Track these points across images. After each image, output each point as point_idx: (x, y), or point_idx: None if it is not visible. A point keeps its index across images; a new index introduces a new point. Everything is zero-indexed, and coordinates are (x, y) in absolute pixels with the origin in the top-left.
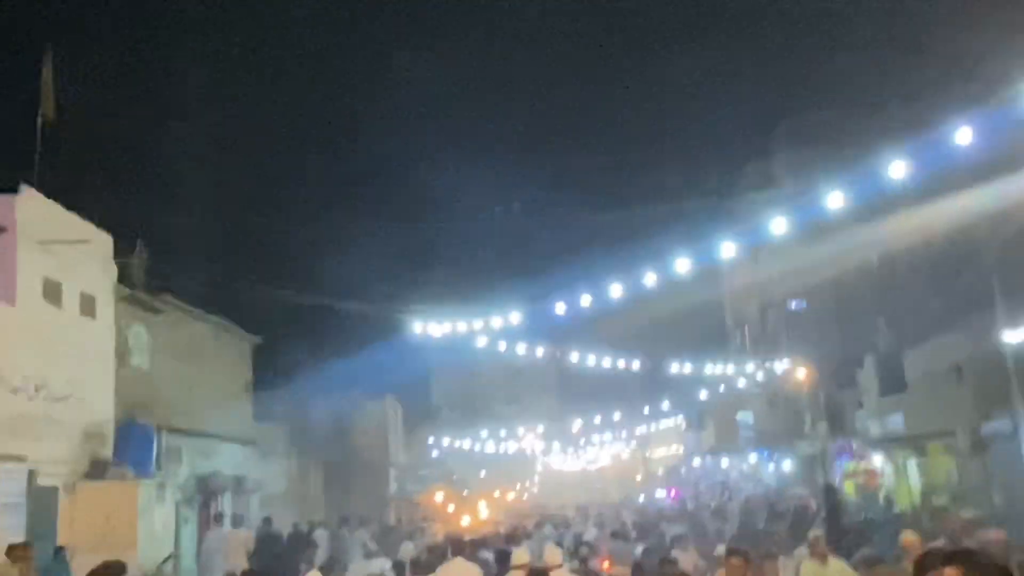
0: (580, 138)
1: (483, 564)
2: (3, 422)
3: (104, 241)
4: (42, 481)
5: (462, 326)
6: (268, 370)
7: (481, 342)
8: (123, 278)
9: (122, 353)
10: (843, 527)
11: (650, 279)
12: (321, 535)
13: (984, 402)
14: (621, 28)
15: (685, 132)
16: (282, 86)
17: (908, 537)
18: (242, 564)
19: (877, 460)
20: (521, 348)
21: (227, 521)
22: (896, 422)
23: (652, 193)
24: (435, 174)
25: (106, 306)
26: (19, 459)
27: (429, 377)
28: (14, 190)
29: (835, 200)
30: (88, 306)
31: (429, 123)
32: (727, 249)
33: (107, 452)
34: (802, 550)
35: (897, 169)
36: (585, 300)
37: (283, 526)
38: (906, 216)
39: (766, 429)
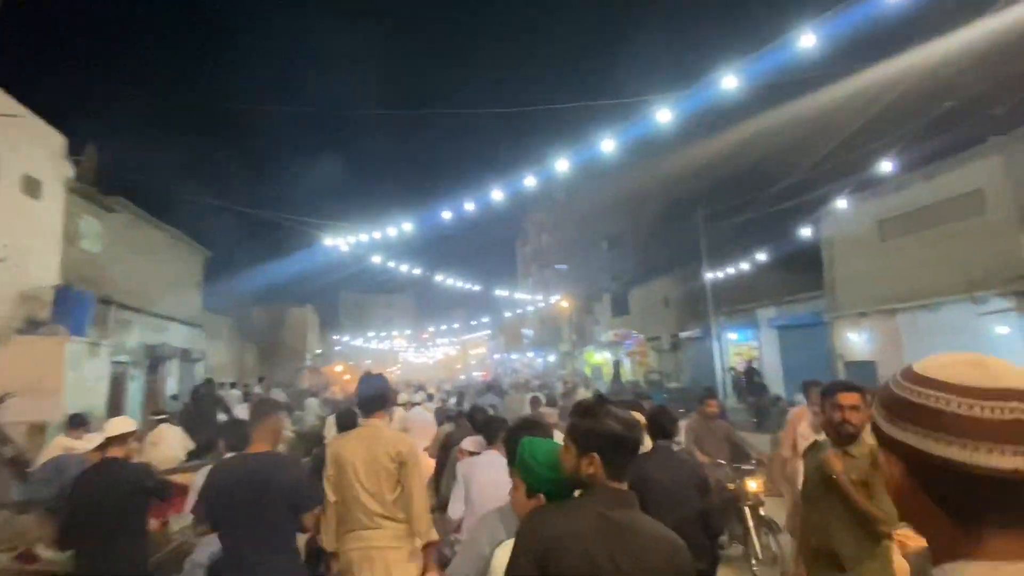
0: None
1: None
2: None
3: (55, 138)
4: None
5: (363, 236)
6: (217, 274)
7: (376, 259)
8: (79, 177)
9: (72, 235)
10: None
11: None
12: (234, 394)
13: (681, 319)
14: None
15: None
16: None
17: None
18: None
19: (608, 354)
20: (403, 267)
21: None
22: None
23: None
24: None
25: (53, 192)
26: None
27: (337, 297)
28: None
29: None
30: (32, 188)
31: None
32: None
33: (45, 314)
34: None
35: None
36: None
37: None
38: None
39: (539, 338)
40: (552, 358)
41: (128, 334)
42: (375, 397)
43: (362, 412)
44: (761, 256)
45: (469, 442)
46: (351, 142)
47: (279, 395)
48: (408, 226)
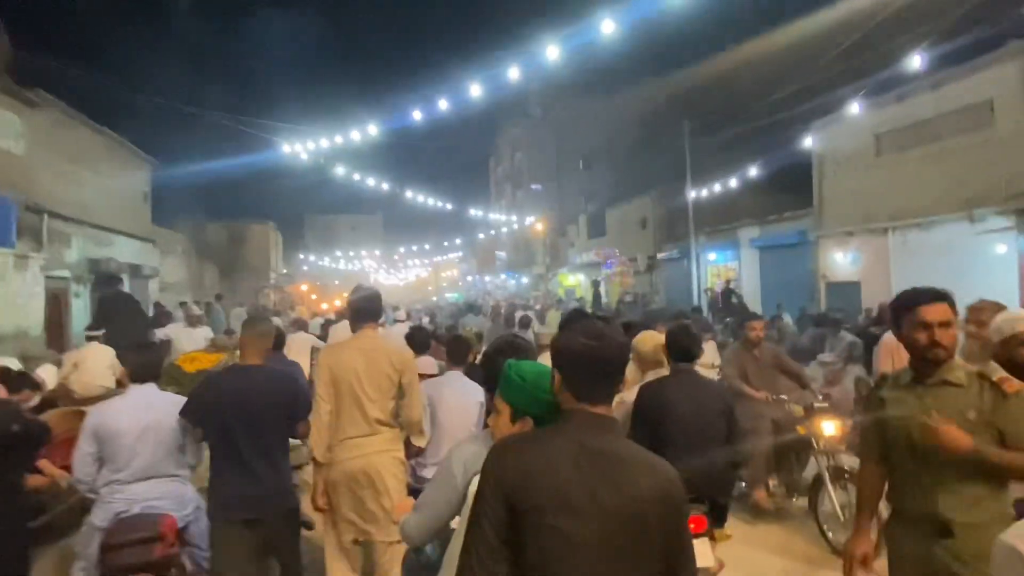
0: None
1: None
2: None
3: None
4: None
5: (325, 141)
6: (169, 186)
7: (340, 170)
8: None
9: None
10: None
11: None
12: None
13: (658, 239)
14: None
15: None
16: None
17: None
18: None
19: (582, 276)
20: (370, 181)
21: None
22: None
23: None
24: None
25: None
26: None
27: (303, 217)
28: None
29: None
30: None
31: None
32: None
33: None
34: None
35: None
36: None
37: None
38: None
39: (512, 260)
40: (525, 280)
41: (66, 247)
42: (369, 309)
43: (355, 322)
44: (747, 173)
45: (422, 363)
46: (312, 27)
47: (240, 315)
48: (374, 129)
